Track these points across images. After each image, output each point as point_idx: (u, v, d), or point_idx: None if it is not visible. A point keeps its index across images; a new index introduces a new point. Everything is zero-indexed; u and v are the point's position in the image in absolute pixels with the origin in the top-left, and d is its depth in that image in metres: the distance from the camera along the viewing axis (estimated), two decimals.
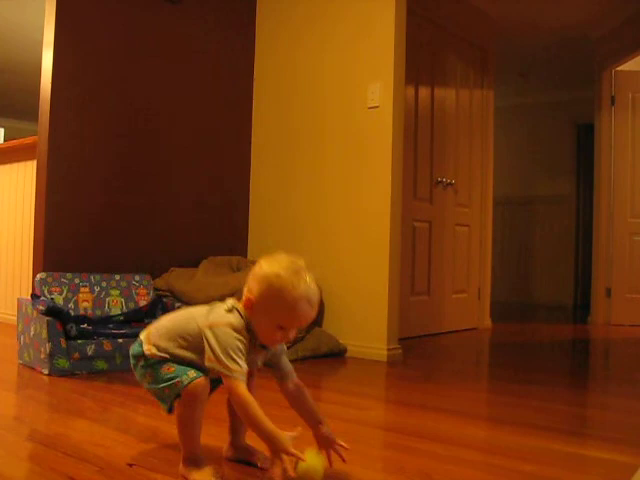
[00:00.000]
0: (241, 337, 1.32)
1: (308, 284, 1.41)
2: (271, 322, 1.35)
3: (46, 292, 2.81)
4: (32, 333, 2.60)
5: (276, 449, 1.24)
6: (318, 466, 1.28)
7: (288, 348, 3.06)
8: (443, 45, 4.36)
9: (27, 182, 3.79)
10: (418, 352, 3.51)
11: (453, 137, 4.44)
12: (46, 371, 2.47)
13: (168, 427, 1.79)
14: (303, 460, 1.25)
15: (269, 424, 1.27)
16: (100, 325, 2.77)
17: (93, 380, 2.42)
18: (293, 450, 1.24)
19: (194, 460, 1.36)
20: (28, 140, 3.70)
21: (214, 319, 1.36)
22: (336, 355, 3.23)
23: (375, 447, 1.75)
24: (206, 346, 1.31)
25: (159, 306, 3.03)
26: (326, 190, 3.49)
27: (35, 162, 3.15)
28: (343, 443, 1.44)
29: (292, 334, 1.38)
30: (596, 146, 5.26)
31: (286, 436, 1.26)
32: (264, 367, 1.47)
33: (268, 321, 1.35)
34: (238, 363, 1.29)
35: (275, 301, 1.34)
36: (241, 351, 1.31)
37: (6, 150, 4.04)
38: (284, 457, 1.23)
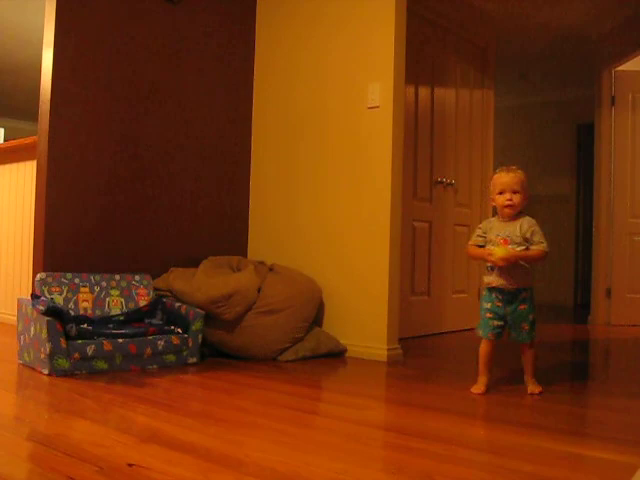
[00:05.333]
0: None
1: None
2: None
3: (46, 292, 2.81)
4: (32, 333, 2.60)
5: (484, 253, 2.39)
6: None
7: (288, 348, 3.08)
8: (443, 45, 4.36)
9: (27, 182, 3.79)
10: (418, 352, 3.51)
11: (453, 137, 4.44)
12: (46, 371, 2.47)
13: (168, 427, 1.79)
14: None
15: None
16: (100, 325, 2.77)
17: (93, 380, 2.42)
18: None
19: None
20: (28, 140, 3.70)
21: None
22: (336, 355, 3.23)
23: (375, 447, 1.75)
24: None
25: (159, 306, 3.03)
26: (326, 190, 3.49)
27: (35, 162, 3.15)
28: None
29: None
30: (596, 146, 5.26)
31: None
32: None
33: None
34: None
35: None
36: None
37: (6, 150, 4.04)
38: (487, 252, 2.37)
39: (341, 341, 3.29)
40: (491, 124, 4.84)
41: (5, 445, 1.58)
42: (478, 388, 2.43)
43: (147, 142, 3.40)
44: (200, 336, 2.89)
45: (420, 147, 4.10)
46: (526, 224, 2.37)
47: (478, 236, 2.51)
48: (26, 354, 2.67)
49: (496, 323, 2.40)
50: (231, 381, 2.52)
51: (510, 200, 2.36)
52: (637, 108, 5.14)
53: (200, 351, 2.91)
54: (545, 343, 4.18)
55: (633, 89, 5.15)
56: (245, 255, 3.85)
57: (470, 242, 2.54)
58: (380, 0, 3.28)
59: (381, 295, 3.20)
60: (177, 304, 2.98)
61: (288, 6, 3.77)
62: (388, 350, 3.15)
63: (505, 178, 2.39)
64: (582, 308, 6.29)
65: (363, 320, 3.26)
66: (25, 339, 2.68)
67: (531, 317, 2.40)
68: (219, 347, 3.08)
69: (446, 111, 4.37)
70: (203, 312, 2.92)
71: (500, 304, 2.40)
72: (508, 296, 2.39)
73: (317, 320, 3.36)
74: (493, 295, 2.41)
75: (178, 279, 3.15)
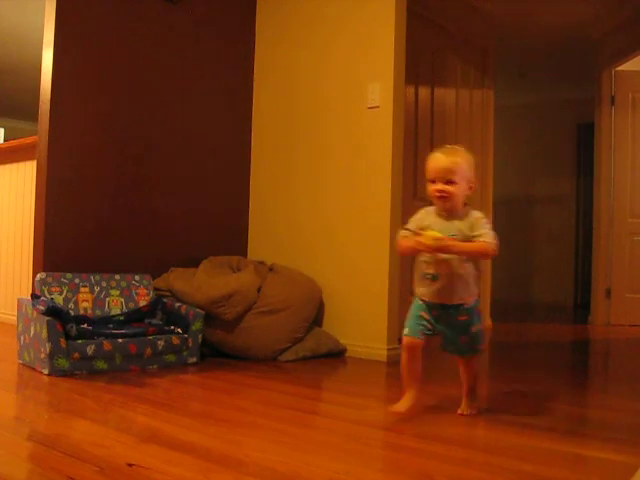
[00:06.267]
0: None
1: None
2: None
3: (46, 292, 2.81)
4: (32, 333, 2.60)
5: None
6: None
7: (288, 348, 3.08)
8: (443, 45, 4.36)
9: (27, 182, 3.79)
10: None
11: (453, 137, 4.43)
12: (46, 371, 2.47)
13: (168, 427, 1.79)
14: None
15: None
16: (100, 325, 2.77)
17: (93, 380, 2.42)
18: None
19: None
20: (28, 140, 3.69)
21: None
22: (336, 355, 3.23)
23: (375, 447, 1.75)
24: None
25: (159, 306, 3.03)
26: (326, 190, 3.49)
27: (35, 162, 3.15)
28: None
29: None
30: (596, 146, 5.26)
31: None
32: None
33: None
34: None
35: None
36: None
37: (6, 150, 4.04)
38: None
39: (341, 341, 3.29)
40: (491, 124, 4.84)
41: (5, 445, 1.58)
42: (402, 406, 1.94)
43: (147, 142, 3.40)
44: (200, 336, 2.89)
45: (420, 147, 4.10)
46: (474, 219, 1.94)
47: (408, 230, 2.01)
48: (26, 354, 2.67)
49: (429, 326, 1.99)
50: (231, 381, 2.52)
51: (441, 192, 1.91)
52: (637, 108, 5.14)
53: (200, 351, 2.91)
54: (545, 343, 4.19)
55: (633, 89, 5.15)
56: (245, 255, 3.85)
57: (400, 235, 2.01)
58: (380, 0, 3.28)
59: (381, 295, 3.20)
60: (177, 304, 2.98)
61: (288, 6, 3.77)
62: (388, 350, 3.15)
63: (436, 163, 1.92)
64: (582, 308, 6.29)
65: (363, 320, 3.26)
66: (25, 339, 2.68)
67: (474, 329, 1.98)
68: (219, 347, 3.08)
69: (446, 111, 4.37)
70: (203, 312, 2.91)
71: (435, 315, 1.98)
72: (445, 311, 1.97)
73: (317, 320, 3.36)
74: (425, 306, 2.00)
75: (178, 279, 3.15)
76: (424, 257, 1.95)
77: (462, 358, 2.06)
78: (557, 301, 6.90)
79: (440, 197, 1.92)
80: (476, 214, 1.95)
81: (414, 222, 2.00)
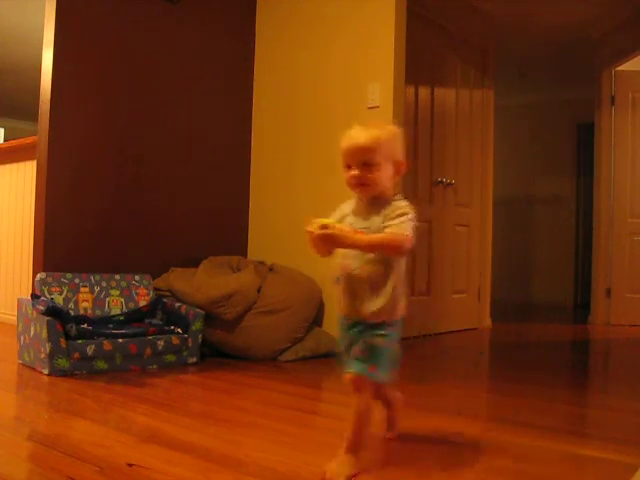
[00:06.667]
0: None
1: None
2: None
3: (46, 292, 2.81)
4: (32, 333, 2.60)
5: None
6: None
7: (288, 348, 3.07)
8: (443, 45, 4.36)
9: (27, 182, 3.79)
10: (418, 352, 3.50)
11: (453, 137, 4.44)
12: (46, 371, 2.47)
13: (168, 427, 1.79)
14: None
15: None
16: (100, 325, 2.77)
17: (93, 380, 2.42)
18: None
19: None
20: (28, 140, 3.69)
21: None
22: (336, 355, 3.22)
23: (375, 447, 1.75)
24: None
25: (159, 306, 3.03)
26: (327, 190, 3.49)
27: (35, 162, 3.15)
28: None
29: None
30: (596, 146, 5.26)
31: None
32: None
33: None
34: None
35: None
36: None
37: (6, 150, 4.04)
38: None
39: None
40: (491, 124, 4.84)
41: (5, 445, 1.58)
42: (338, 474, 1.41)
43: (147, 142, 3.40)
44: (200, 336, 2.89)
45: (420, 147, 4.10)
46: (391, 210, 1.47)
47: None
48: (26, 354, 2.67)
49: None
50: (231, 381, 2.52)
51: (358, 179, 1.48)
52: (637, 108, 5.14)
53: (200, 351, 2.91)
54: (545, 343, 4.19)
55: (633, 89, 5.15)
56: (245, 255, 3.84)
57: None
58: (380, 0, 3.28)
59: None
60: (177, 304, 2.98)
61: (288, 6, 3.77)
62: None
63: (351, 142, 1.50)
64: (582, 308, 6.28)
65: None
66: (25, 339, 2.68)
67: (376, 342, 1.47)
68: (219, 347, 3.07)
69: (446, 111, 4.37)
70: (203, 312, 2.91)
71: (350, 336, 1.56)
72: (356, 328, 1.53)
73: (317, 320, 3.36)
74: (343, 324, 1.60)
75: (178, 279, 3.15)
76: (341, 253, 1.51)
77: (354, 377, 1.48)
78: (557, 301, 6.90)
79: (357, 185, 1.49)
80: (398, 204, 1.49)
81: (337, 212, 1.61)
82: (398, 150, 1.54)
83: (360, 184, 1.49)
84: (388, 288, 1.47)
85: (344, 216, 1.56)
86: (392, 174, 1.52)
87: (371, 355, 1.47)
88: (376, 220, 1.48)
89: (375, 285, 1.47)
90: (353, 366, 1.48)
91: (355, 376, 1.47)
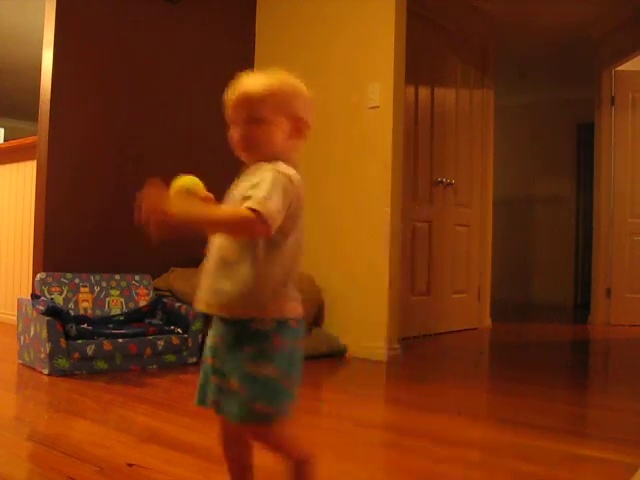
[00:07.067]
0: None
1: None
2: None
3: (46, 292, 2.81)
4: (32, 333, 2.60)
5: None
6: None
7: None
8: (443, 45, 4.36)
9: (27, 182, 3.79)
10: (418, 352, 3.50)
11: (453, 137, 4.44)
12: (46, 371, 2.47)
13: (168, 427, 1.79)
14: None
15: None
16: (100, 325, 2.77)
17: (93, 380, 2.42)
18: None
19: None
20: (28, 140, 3.69)
21: None
22: (336, 355, 3.23)
23: (375, 447, 1.75)
24: None
25: (159, 306, 3.03)
26: (327, 190, 3.49)
27: (35, 162, 3.15)
28: None
29: None
30: (596, 146, 5.25)
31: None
32: None
33: None
34: None
35: None
36: None
37: (6, 150, 4.04)
38: None
39: (341, 341, 3.29)
40: (491, 124, 4.84)
41: (5, 445, 1.58)
42: None
43: (147, 141, 3.40)
44: (200, 336, 2.89)
45: (420, 147, 4.10)
46: (259, 174, 1.13)
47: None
48: (26, 354, 2.67)
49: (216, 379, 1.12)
50: None
51: (240, 137, 1.19)
52: (637, 108, 5.14)
53: (200, 351, 2.91)
54: (545, 343, 4.19)
55: (633, 89, 5.15)
56: None
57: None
58: (380, 0, 3.28)
59: (381, 295, 3.19)
60: (177, 304, 2.98)
61: (288, 6, 3.77)
62: (388, 350, 3.15)
63: (234, 92, 1.18)
64: (582, 308, 6.28)
65: (363, 320, 3.25)
66: (25, 339, 2.68)
67: (252, 369, 1.06)
68: None
69: (446, 111, 4.37)
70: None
71: (217, 340, 1.14)
72: (221, 329, 1.14)
73: (317, 320, 3.36)
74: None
75: (178, 279, 3.15)
76: None
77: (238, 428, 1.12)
78: (557, 301, 6.90)
79: (240, 148, 1.20)
80: (268, 166, 1.14)
81: None
82: (298, 105, 1.19)
83: (244, 146, 1.18)
84: (244, 269, 1.08)
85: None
86: (289, 134, 1.19)
87: (253, 392, 1.06)
88: (243, 187, 1.14)
89: (226, 266, 1.11)
90: (229, 411, 1.08)
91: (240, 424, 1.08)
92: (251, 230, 1.06)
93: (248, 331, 1.08)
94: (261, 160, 1.17)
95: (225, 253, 1.12)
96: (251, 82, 1.17)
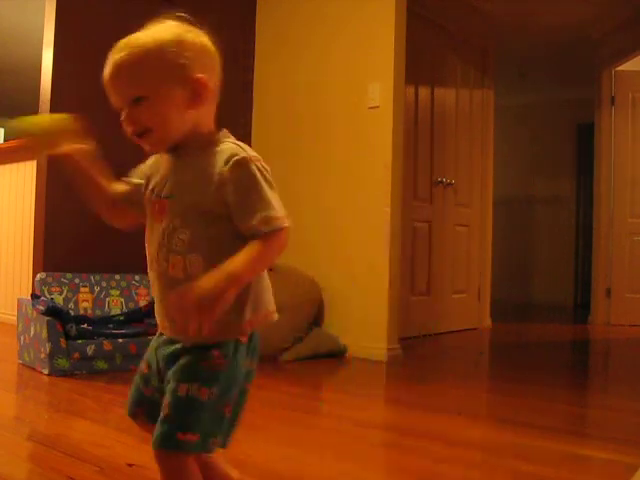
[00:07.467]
0: None
1: None
2: None
3: (46, 292, 2.81)
4: (32, 333, 2.60)
5: None
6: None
7: (288, 348, 3.07)
8: (443, 45, 4.36)
9: (27, 182, 3.79)
10: (418, 352, 3.51)
11: (453, 137, 4.44)
12: (46, 371, 2.47)
13: None
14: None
15: None
16: (100, 325, 2.77)
17: (93, 380, 2.42)
18: None
19: None
20: None
21: None
22: (336, 355, 3.23)
23: (375, 447, 1.75)
24: None
25: None
26: (327, 190, 3.49)
27: (35, 162, 3.14)
28: None
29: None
30: (596, 146, 5.26)
31: None
32: None
33: None
34: None
35: None
36: None
37: (6, 150, 4.04)
38: None
39: (341, 341, 3.29)
40: (491, 124, 4.84)
41: (5, 445, 1.58)
42: None
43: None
44: None
45: (420, 147, 4.10)
46: (222, 164, 0.96)
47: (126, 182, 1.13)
48: (26, 354, 2.67)
49: (149, 390, 1.11)
50: None
51: (130, 125, 0.99)
52: (637, 108, 5.14)
53: None
54: (545, 343, 4.19)
55: (633, 89, 5.15)
56: None
57: None
58: (380, 0, 3.28)
59: (381, 295, 3.19)
60: None
61: (288, 6, 3.77)
62: (388, 350, 3.15)
63: (105, 74, 0.99)
64: (582, 308, 6.28)
65: (363, 320, 3.26)
66: (25, 339, 2.68)
67: (187, 389, 0.94)
68: None
69: (446, 111, 4.37)
70: None
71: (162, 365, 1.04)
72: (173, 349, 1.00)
73: (317, 320, 3.36)
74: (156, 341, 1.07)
75: None
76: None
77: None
78: (557, 301, 6.90)
79: (135, 137, 1.00)
80: (229, 149, 0.99)
81: (137, 173, 1.17)
82: (189, 63, 1.00)
83: (137, 136, 0.99)
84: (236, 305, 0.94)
85: (149, 178, 1.08)
86: (188, 102, 0.98)
87: (180, 411, 0.95)
88: (197, 174, 0.97)
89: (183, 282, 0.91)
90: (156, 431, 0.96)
91: (157, 451, 0.95)
92: (284, 247, 0.98)
93: (204, 350, 0.94)
94: (168, 146, 0.99)
95: (178, 273, 0.95)
96: (119, 50, 0.96)
